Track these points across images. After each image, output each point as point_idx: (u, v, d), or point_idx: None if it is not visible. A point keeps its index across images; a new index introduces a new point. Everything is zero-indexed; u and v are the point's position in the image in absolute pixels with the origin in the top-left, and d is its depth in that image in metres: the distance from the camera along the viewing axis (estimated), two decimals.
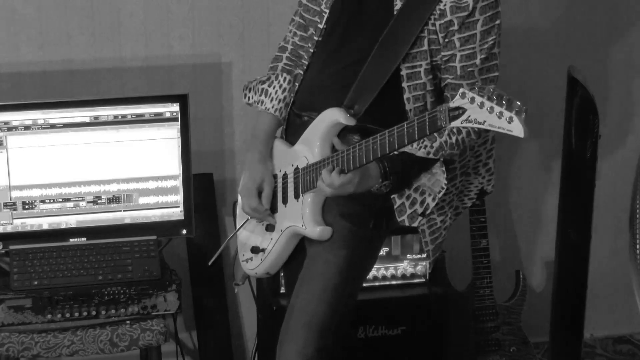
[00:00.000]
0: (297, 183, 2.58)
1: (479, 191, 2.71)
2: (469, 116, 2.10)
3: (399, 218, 2.56)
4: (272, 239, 2.67)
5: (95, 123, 3.11)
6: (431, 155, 2.46)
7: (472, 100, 2.09)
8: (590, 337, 4.00)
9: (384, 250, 3.35)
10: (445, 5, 2.40)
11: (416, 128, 2.23)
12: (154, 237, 3.15)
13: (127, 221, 3.17)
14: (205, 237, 3.50)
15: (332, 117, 2.48)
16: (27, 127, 3.07)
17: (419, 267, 3.40)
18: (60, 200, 3.12)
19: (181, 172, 3.18)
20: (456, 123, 2.13)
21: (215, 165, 3.58)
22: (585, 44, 3.80)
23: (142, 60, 3.47)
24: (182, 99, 3.14)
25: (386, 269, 3.38)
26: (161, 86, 3.46)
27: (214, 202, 3.59)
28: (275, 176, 2.68)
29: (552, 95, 3.70)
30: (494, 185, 2.74)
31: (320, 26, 2.60)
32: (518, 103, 2.04)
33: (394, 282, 3.39)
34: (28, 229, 3.12)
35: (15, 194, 3.10)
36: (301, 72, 2.68)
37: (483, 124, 2.08)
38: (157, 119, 3.14)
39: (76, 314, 2.98)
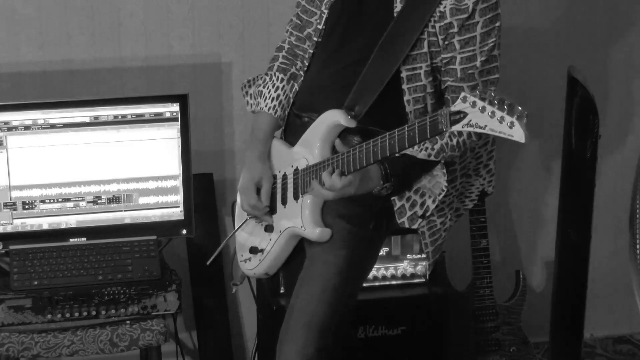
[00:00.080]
0: (296, 184, 2.58)
1: (479, 192, 2.71)
2: (470, 120, 2.10)
3: (399, 220, 2.56)
4: (271, 239, 2.67)
5: (95, 123, 3.11)
6: (432, 157, 2.45)
7: (474, 104, 2.09)
8: (590, 337, 4.00)
9: (384, 250, 3.35)
10: (445, 7, 2.40)
11: (417, 131, 2.23)
12: (154, 237, 3.15)
13: (127, 221, 3.17)
14: (205, 237, 3.50)
15: (333, 118, 2.48)
16: (27, 127, 3.07)
17: (419, 267, 3.40)
18: (60, 200, 3.12)
19: (181, 172, 3.18)
20: (457, 127, 2.12)
21: (215, 165, 3.58)
22: (585, 44, 3.80)
23: (142, 60, 3.46)
24: (182, 99, 3.14)
25: (386, 269, 3.38)
26: (161, 86, 3.46)
27: (214, 202, 3.59)
28: (274, 177, 2.68)
29: (552, 95, 3.70)
30: (494, 186, 2.74)
31: (320, 27, 2.60)
32: (519, 108, 2.04)
33: (394, 282, 3.39)
34: (28, 229, 3.12)
35: (15, 194, 3.10)
36: (297, 70, 2.68)
37: (484, 129, 2.08)
38: (157, 119, 3.14)
39: (76, 314, 2.98)
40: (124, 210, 3.17)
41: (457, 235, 3.48)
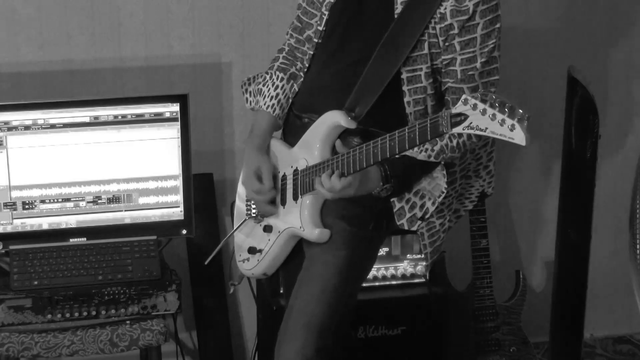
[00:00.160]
0: (295, 185, 2.58)
1: (479, 194, 2.71)
2: (471, 123, 2.10)
3: (398, 222, 2.56)
4: (269, 239, 2.67)
5: (96, 123, 3.11)
6: (432, 159, 2.45)
7: (475, 106, 2.08)
8: (590, 337, 4.00)
9: (384, 250, 3.35)
10: (445, 8, 2.40)
11: (417, 133, 2.23)
12: (154, 237, 3.15)
13: (127, 221, 3.17)
14: (205, 237, 3.50)
15: (333, 119, 2.48)
16: (27, 127, 3.07)
17: (419, 267, 3.40)
18: (60, 200, 3.12)
19: (181, 172, 3.18)
20: (458, 129, 2.12)
21: (215, 165, 3.58)
22: (585, 44, 3.80)
23: (142, 60, 3.46)
24: (182, 99, 3.14)
25: (386, 269, 3.38)
26: (161, 86, 3.46)
27: (214, 202, 3.59)
28: (274, 177, 2.68)
29: (552, 95, 3.70)
30: (494, 187, 2.74)
31: (320, 28, 2.60)
32: (520, 111, 2.03)
33: (394, 282, 3.39)
34: (28, 229, 3.12)
35: (15, 194, 3.10)
36: (297, 71, 2.68)
37: (485, 131, 2.08)
38: (157, 119, 3.14)
39: (76, 314, 2.98)
40: (124, 210, 3.17)
41: (457, 236, 3.48)
